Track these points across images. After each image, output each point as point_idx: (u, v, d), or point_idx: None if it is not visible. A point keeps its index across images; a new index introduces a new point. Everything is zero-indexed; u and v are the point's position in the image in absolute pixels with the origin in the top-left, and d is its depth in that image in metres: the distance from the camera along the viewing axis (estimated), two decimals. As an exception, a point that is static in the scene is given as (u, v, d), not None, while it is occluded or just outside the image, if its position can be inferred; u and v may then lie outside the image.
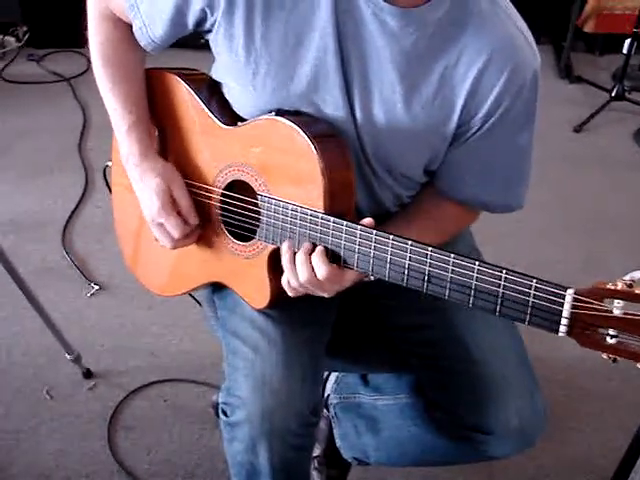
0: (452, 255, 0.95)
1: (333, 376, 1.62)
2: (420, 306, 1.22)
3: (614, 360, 0.87)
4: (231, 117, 1.16)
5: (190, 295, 1.45)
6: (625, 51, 3.14)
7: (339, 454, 1.57)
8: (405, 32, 1.04)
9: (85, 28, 1.24)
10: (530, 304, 0.90)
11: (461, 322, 1.23)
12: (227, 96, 1.17)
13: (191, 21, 1.11)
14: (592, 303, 0.85)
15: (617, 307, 0.84)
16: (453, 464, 1.54)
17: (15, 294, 1.73)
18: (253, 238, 1.15)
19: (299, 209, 1.07)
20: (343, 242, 1.03)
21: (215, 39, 1.11)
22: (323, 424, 1.60)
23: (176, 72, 1.22)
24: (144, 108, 1.22)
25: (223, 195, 1.18)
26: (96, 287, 2.19)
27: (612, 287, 0.85)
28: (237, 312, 1.24)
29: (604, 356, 0.88)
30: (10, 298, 1.95)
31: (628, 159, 3.00)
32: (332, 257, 1.05)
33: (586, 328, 0.87)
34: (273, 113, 1.10)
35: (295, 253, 1.07)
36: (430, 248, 0.97)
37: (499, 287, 0.92)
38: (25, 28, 3.61)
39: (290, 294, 1.11)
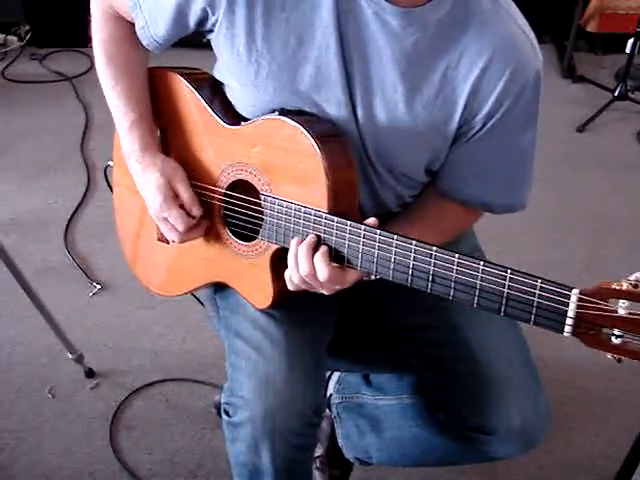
0: (457, 255, 0.95)
1: (335, 376, 1.62)
2: (424, 306, 1.22)
3: (619, 360, 0.87)
4: (233, 117, 1.16)
5: (192, 295, 1.44)
6: (628, 51, 3.12)
7: (341, 454, 1.57)
8: (406, 32, 1.04)
9: (88, 27, 1.25)
10: (535, 304, 0.90)
11: (465, 323, 1.23)
12: (229, 96, 1.17)
13: (192, 21, 1.11)
14: (597, 303, 0.85)
15: (622, 307, 0.84)
16: (455, 465, 1.54)
17: (17, 293, 1.73)
18: (256, 238, 1.15)
19: (302, 209, 1.06)
20: (347, 242, 1.03)
21: (216, 39, 1.11)
22: (325, 424, 1.59)
23: (178, 71, 1.22)
24: (146, 106, 1.22)
25: (226, 195, 1.18)
26: (98, 286, 2.19)
27: (617, 287, 0.84)
28: (239, 312, 1.23)
29: (609, 356, 0.87)
30: (12, 297, 1.95)
31: (631, 159, 2.99)
32: (335, 257, 1.05)
33: (591, 328, 0.87)
34: (276, 113, 1.09)
35: None
36: (434, 248, 0.96)
37: (504, 287, 0.92)
38: (27, 27, 3.61)
39: (290, 288, 1.11)
